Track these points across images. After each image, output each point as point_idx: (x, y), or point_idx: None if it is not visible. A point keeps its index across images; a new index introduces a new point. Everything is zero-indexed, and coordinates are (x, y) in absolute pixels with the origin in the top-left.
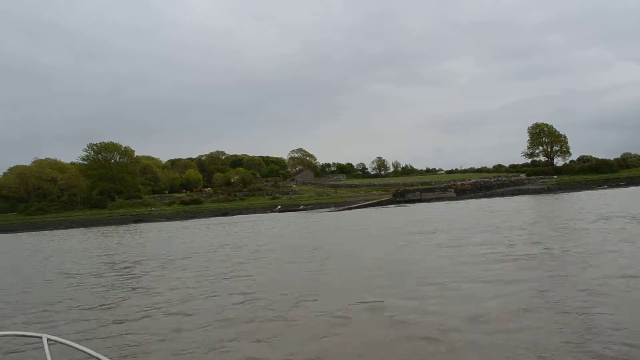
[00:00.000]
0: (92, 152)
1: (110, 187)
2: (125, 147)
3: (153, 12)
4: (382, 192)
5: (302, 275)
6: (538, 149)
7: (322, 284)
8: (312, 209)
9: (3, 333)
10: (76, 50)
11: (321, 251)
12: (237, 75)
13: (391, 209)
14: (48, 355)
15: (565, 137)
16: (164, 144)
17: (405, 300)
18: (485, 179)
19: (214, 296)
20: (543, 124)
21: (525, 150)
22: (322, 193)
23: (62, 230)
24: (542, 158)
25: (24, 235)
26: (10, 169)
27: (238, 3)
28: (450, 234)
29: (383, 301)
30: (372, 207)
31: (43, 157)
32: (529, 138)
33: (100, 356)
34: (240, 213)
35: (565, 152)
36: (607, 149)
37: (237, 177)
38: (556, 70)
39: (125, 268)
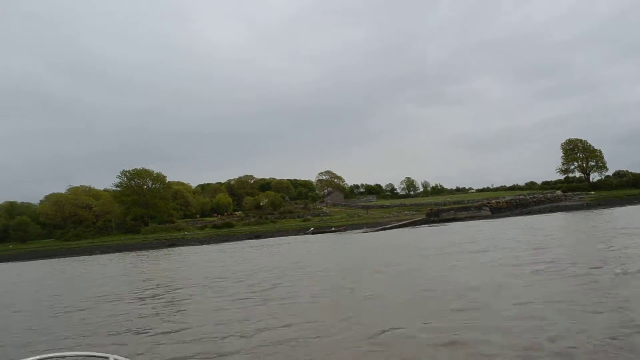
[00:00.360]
0: (125, 179)
1: (143, 213)
2: (157, 173)
3: (179, 50)
4: (414, 212)
5: (354, 299)
6: (573, 164)
7: (374, 308)
8: (344, 230)
9: (73, 353)
10: (106, 88)
11: (369, 272)
12: (263, 104)
13: (427, 229)
14: None
15: (600, 152)
16: (192, 170)
17: (469, 322)
18: (520, 197)
19: (264, 321)
20: (577, 139)
21: (560, 167)
22: (354, 214)
23: (99, 255)
24: (577, 174)
25: (63, 260)
26: (47, 197)
27: (260, 34)
28: (500, 253)
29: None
30: (406, 227)
31: (77, 185)
32: (562, 154)
33: None
34: (272, 236)
35: (602, 167)
36: (635, 162)
37: (266, 200)
38: (582, 87)
39: (171, 292)
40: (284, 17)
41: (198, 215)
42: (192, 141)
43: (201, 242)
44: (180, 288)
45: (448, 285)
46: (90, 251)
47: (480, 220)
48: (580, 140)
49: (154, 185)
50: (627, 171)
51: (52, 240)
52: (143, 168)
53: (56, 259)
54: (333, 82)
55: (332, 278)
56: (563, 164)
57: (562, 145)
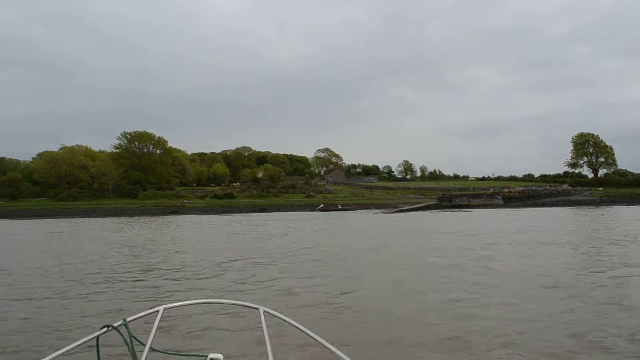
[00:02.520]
0: (126, 140)
1: (142, 177)
2: (158, 137)
3: (176, 12)
4: (419, 196)
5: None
6: (583, 159)
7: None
8: (355, 209)
9: (228, 301)
10: (100, 46)
11: (453, 266)
12: (258, 75)
13: (450, 214)
14: (264, 326)
15: (611, 148)
16: (186, 138)
17: None
18: (533, 188)
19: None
20: (589, 134)
21: (569, 160)
22: (357, 194)
23: (98, 219)
24: (586, 169)
25: (65, 221)
26: (40, 154)
27: (261, 4)
28: (602, 248)
29: None
30: (424, 211)
31: (70, 145)
32: (572, 148)
33: (312, 334)
34: (277, 210)
35: (612, 164)
36: (626, 163)
37: (262, 173)
38: (579, 81)
39: (226, 270)
40: None
41: (195, 184)
42: (187, 108)
43: (203, 211)
44: (228, 268)
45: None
46: (87, 214)
47: (496, 209)
48: (592, 135)
49: (154, 150)
50: (626, 170)
51: (45, 199)
52: (144, 131)
53: (54, 219)
54: (328, 58)
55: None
56: (572, 157)
57: (572, 138)
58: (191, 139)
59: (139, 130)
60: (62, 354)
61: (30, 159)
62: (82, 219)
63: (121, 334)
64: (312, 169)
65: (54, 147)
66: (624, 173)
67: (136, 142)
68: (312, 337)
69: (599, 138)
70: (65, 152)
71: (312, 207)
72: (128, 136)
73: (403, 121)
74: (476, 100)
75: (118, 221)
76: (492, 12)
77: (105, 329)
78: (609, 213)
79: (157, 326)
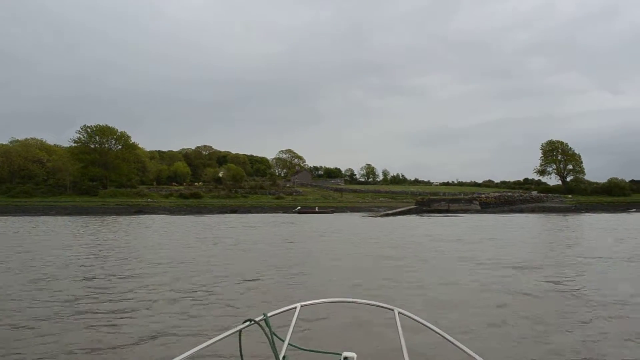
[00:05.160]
0: (86, 135)
1: (102, 174)
2: (121, 132)
3: (141, 3)
4: (390, 199)
5: None
6: (551, 166)
7: None
8: (331, 212)
9: (362, 301)
10: (60, 33)
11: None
12: (218, 72)
13: (444, 219)
14: (399, 327)
15: (579, 156)
16: (144, 135)
17: None
18: (509, 194)
19: None
20: (558, 141)
21: (538, 167)
22: (328, 196)
23: (59, 217)
24: (554, 176)
25: (28, 219)
26: None
27: (225, 1)
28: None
29: None
30: (407, 215)
31: (21, 138)
32: (541, 155)
33: (449, 337)
34: (249, 212)
35: (580, 171)
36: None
37: (222, 173)
38: (534, 92)
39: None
40: None
41: (154, 182)
42: (145, 103)
43: (171, 211)
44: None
45: None
46: (44, 211)
47: (479, 214)
48: (561, 143)
49: (116, 145)
50: (581, 178)
51: None
52: (106, 125)
53: (10, 217)
54: (290, 59)
55: None
56: (541, 164)
57: (542, 145)
58: (149, 135)
59: (101, 125)
60: (208, 345)
61: None
62: (41, 218)
63: (262, 328)
64: (272, 170)
65: (3, 140)
66: (583, 181)
67: (97, 137)
68: (449, 340)
69: (567, 146)
70: (19, 145)
71: (284, 209)
72: (89, 130)
73: (363, 124)
74: (434, 107)
75: (84, 221)
76: (453, 21)
77: (247, 322)
78: (599, 219)
79: (295, 322)
